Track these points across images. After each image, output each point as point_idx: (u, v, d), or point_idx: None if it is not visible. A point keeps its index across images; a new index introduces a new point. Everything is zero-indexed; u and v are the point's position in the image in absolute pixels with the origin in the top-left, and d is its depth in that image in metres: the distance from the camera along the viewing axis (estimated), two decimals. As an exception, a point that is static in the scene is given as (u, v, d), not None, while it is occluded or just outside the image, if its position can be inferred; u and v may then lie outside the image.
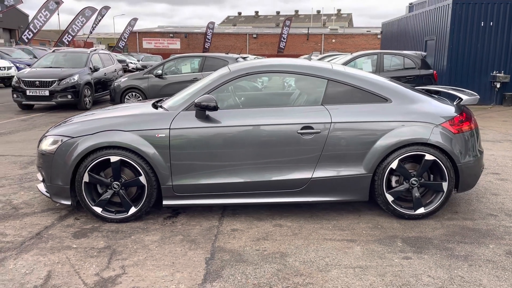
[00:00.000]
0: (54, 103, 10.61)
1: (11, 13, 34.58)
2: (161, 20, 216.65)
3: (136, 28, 47.02)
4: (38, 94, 10.45)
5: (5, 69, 16.44)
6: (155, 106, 4.12)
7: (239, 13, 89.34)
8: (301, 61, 4.07)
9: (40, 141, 3.92)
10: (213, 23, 44.23)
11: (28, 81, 10.48)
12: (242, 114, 3.69)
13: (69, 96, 10.57)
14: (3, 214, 3.92)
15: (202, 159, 3.62)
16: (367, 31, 50.52)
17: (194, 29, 55.47)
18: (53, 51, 12.85)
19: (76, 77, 10.75)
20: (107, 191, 3.71)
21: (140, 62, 31.51)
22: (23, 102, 10.64)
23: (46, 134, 3.90)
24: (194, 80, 10.51)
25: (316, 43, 49.20)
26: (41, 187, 4.00)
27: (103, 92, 12.32)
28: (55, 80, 10.49)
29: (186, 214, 3.94)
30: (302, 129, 3.60)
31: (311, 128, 3.60)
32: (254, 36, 50.85)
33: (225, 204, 3.80)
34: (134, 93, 10.72)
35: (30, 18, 33.64)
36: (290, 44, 47.61)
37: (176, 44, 50.76)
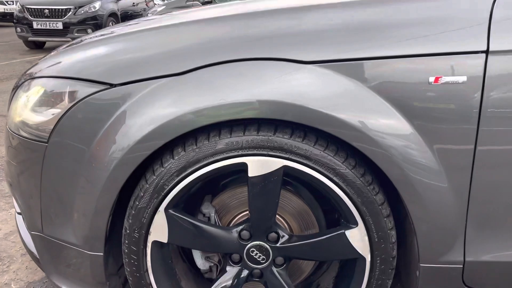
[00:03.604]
0: (69, 39, 7.91)
1: None
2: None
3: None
4: (48, 27, 7.75)
5: (8, 3, 13.62)
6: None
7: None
8: None
9: (14, 95, 1.27)
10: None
11: (34, 9, 7.75)
12: None
13: (89, 31, 7.84)
14: None
15: None
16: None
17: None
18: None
19: (97, 5, 7.96)
20: (224, 268, 1.11)
21: None
22: (30, 38, 7.96)
23: (29, 77, 1.23)
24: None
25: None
26: (23, 229, 1.41)
27: (132, 27, 9.53)
28: (70, 8, 7.74)
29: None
30: None
31: None
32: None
33: None
34: (174, 28, 7.94)
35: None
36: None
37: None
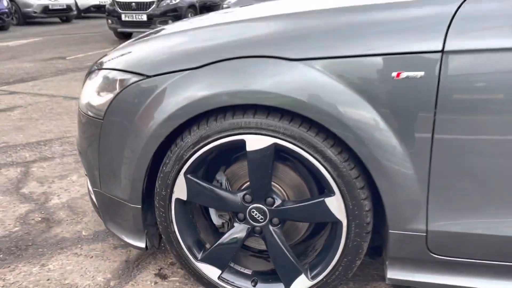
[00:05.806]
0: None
1: None
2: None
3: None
4: (134, 19, 8.52)
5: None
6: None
7: None
8: None
9: (85, 81, 1.65)
10: None
11: (123, 3, 8.56)
12: None
13: (170, 22, 8.47)
14: None
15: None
16: None
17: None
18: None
19: (177, -3, 8.58)
20: (232, 224, 1.39)
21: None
22: (118, 30, 8.82)
23: (96, 67, 1.60)
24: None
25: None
26: (89, 188, 1.81)
27: (209, 18, 10.06)
28: (154, 1, 8.43)
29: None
30: None
31: None
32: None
33: None
34: (247, 17, 8.28)
35: None
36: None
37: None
